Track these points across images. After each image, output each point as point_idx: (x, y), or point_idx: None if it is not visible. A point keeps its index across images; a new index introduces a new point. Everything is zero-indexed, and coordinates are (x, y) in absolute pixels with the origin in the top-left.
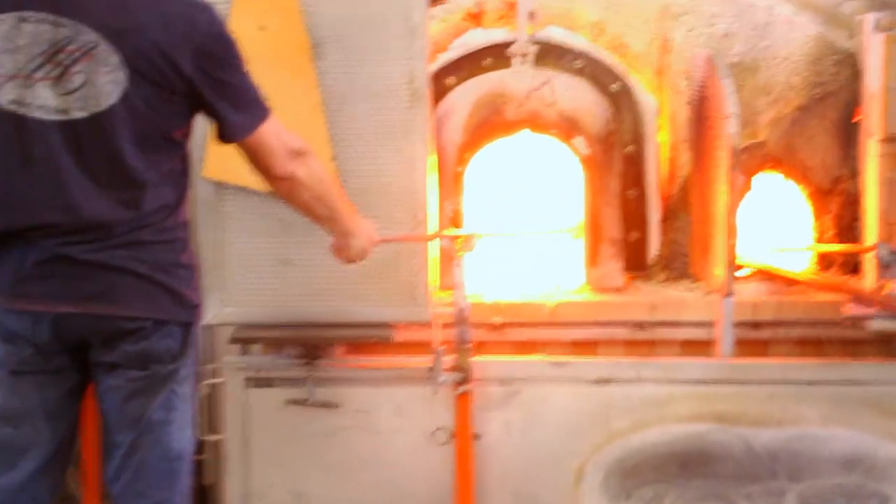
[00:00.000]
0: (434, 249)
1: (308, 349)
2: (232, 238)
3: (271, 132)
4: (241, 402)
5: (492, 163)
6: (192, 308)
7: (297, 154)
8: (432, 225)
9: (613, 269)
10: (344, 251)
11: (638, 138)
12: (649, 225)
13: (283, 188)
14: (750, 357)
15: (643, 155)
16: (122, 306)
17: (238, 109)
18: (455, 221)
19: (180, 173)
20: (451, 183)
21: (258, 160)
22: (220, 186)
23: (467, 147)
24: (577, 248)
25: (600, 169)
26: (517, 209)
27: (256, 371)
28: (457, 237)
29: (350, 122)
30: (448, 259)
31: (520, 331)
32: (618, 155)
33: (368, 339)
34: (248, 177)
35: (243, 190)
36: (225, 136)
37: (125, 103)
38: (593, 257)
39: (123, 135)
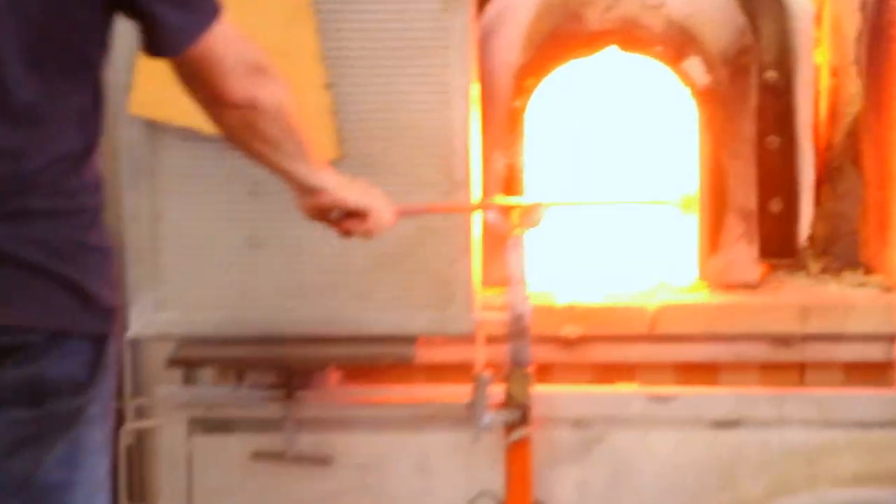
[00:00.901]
0: (478, 226)
1: (287, 376)
2: (172, 207)
3: (223, 40)
4: (183, 456)
5: (564, 96)
6: (106, 313)
7: (257, 70)
8: (476, 190)
9: (744, 255)
10: (321, 207)
11: (784, 60)
12: (799, 190)
13: (239, 121)
14: None
15: (791, 85)
16: None
17: (177, 6)
18: (510, 184)
19: (90, 110)
20: (504, 126)
21: (204, 81)
22: (155, 130)
23: (528, 71)
24: (690, 225)
25: (726, 106)
26: (602, 167)
27: (207, 409)
28: (513, 207)
29: (353, 31)
30: (499, 241)
31: (605, 348)
32: (753, 85)
33: (379, 360)
34: (197, 114)
35: (190, 135)
36: (158, 46)
37: (13, 3)
38: (714, 238)
39: (8, 49)
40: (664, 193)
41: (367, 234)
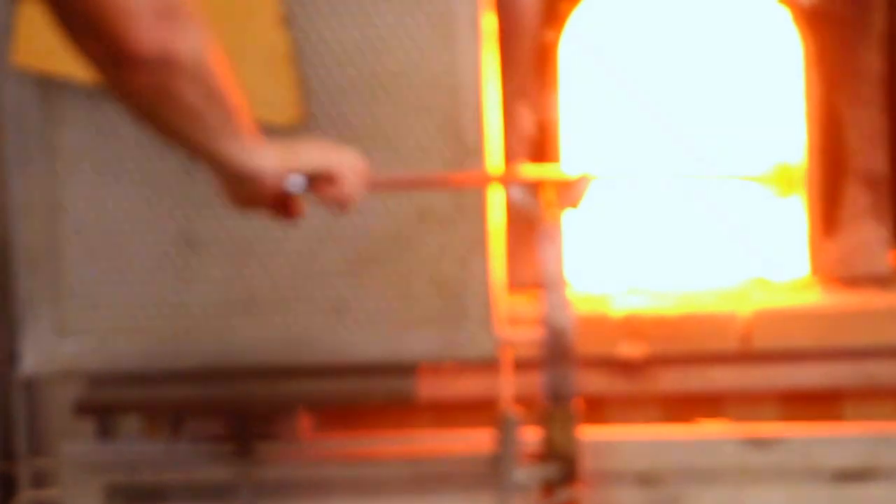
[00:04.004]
0: (498, 209)
1: (239, 424)
2: (77, 194)
3: None
4: None
5: (613, 25)
6: None
7: (170, 13)
8: (494, 158)
9: (873, 238)
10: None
11: None
12: None
13: (148, 85)
14: None
15: None
16: None
17: None
18: (541, 150)
19: None
20: (530, 69)
21: (98, 31)
22: (51, 89)
23: None
24: (794, 204)
25: (842, 30)
26: (667, 125)
27: (130, 471)
28: (545, 182)
29: None
30: (527, 229)
31: (680, 373)
32: (880, 6)
33: (366, 398)
34: None
35: (101, 95)
36: None
37: None
38: (830, 216)
39: None
40: (752, 164)
41: (340, 206)
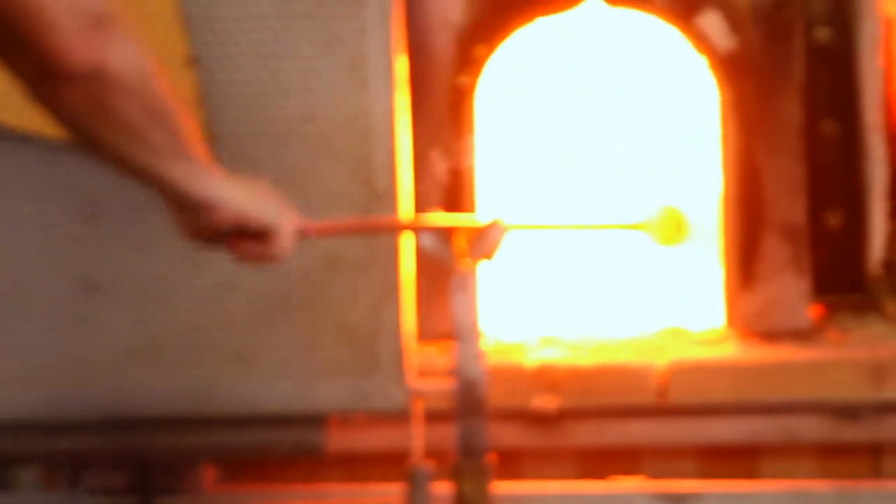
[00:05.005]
0: (410, 256)
1: (142, 475)
2: None
3: None
4: None
5: (528, 70)
6: None
7: (101, 23)
8: (405, 204)
9: (791, 290)
10: (210, 226)
11: (841, 12)
12: (867, 196)
13: (81, 99)
14: None
15: (852, 48)
16: None
17: None
18: (454, 196)
19: None
20: (444, 113)
21: (25, 42)
22: None
23: (477, 35)
24: (711, 250)
25: (760, 79)
26: (582, 170)
27: None
28: (458, 229)
29: None
30: (439, 277)
31: (595, 426)
32: (798, 48)
33: (273, 450)
34: (6, 102)
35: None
36: None
37: None
38: (747, 267)
39: None
40: (637, 211)
41: (266, 261)
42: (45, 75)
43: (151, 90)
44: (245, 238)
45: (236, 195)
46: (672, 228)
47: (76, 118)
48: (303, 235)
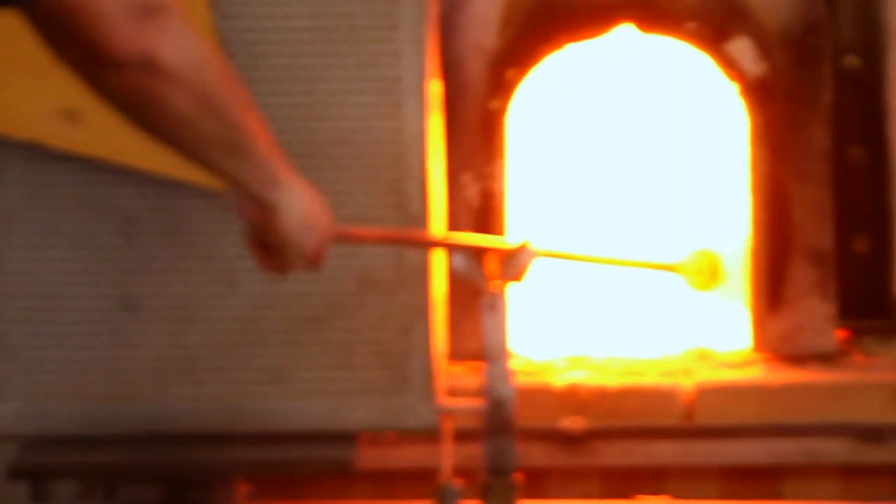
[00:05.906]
0: (441, 277)
1: (176, 490)
2: (11, 254)
3: None
4: None
5: (559, 94)
6: None
7: (150, 12)
8: (437, 226)
9: (817, 315)
10: (266, 230)
11: (869, 40)
12: (893, 223)
13: (130, 88)
14: None
15: (880, 75)
16: None
17: None
18: (485, 218)
19: None
20: (476, 137)
21: (74, 33)
22: None
23: (509, 60)
24: (739, 273)
25: (789, 105)
26: (614, 193)
27: None
28: (489, 251)
29: (264, 7)
30: (470, 297)
31: (621, 447)
32: (827, 75)
33: (304, 467)
34: (45, 123)
35: (35, 151)
36: None
37: None
38: (774, 292)
39: None
40: (672, 251)
41: (296, 269)
42: (94, 63)
43: (205, 83)
44: (266, 250)
45: (300, 205)
46: (707, 274)
47: (127, 104)
48: (338, 240)
